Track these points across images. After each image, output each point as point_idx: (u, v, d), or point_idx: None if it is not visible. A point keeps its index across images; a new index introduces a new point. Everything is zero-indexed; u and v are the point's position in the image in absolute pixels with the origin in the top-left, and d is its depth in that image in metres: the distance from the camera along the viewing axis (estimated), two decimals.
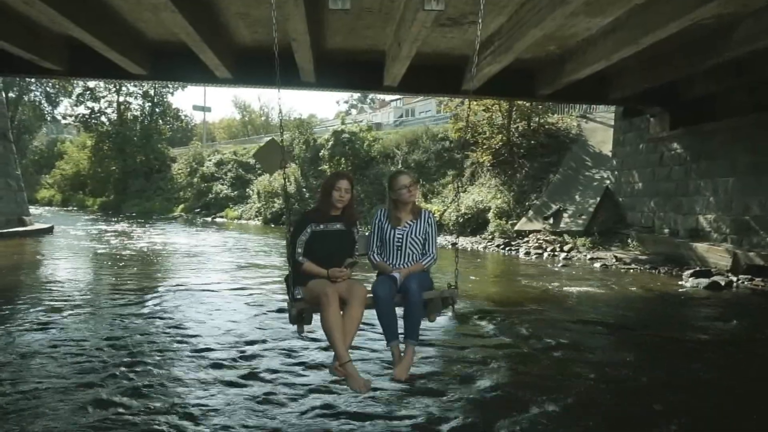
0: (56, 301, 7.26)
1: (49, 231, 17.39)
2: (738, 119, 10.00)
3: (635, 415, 3.94)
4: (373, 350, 5.07)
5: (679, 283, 9.49)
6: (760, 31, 6.63)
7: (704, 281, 9.11)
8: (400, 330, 3.44)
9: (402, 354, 3.37)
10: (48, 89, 44.94)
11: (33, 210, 22.43)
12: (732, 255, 9.81)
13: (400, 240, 3.72)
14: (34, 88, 44.99)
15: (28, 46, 7.84)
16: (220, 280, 9.29)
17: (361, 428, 3.57)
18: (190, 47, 7.34)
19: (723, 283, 9.05)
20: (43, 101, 46.68)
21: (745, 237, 10.26)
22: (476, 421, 3.72)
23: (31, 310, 6.69)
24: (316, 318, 3.42)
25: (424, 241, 3.76)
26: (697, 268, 9.95)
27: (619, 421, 3.85)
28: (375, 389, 4.10)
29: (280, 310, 6.71)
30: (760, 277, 9.25)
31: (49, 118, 49.44)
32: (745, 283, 9.21)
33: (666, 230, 12.36)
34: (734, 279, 9.36)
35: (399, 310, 3.53)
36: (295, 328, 3.56)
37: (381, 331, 3.50)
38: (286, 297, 3.70)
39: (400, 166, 21.65)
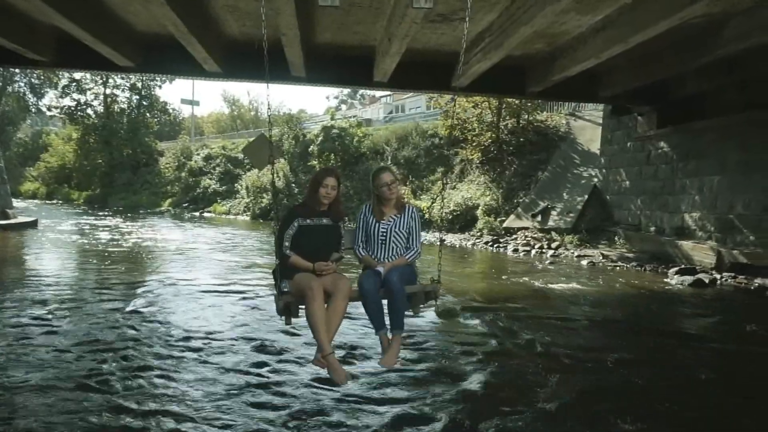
0: (40, 296, 7.15)
1: (33, 224, 17.15)
2: (728, 117, 10.09)
3: (623, 412, 3.96)
4: (356, 344, 5.07)
5: (665, 280, 9.59)
6: (752, 28, 6.69)
7: (689, 279, 9.21)
8: (387, 321, 3.55)
9: (390, 342, 3.50)
10: (33, 80, 44.30)
11: (17, 203, 22.12)
12: (716, 253, 9.93)
13: (384, 234, 3.79)
14: (18, 79, 44.34)
15: (15, 36, 7.70)
16: (206, 275, 9.23)
17: (345, 423, 3.56)
18: (179, 40, 7.26)
19: (707, 281, 9.16)
20: (27, 92, 45.99)
21: (729, 235, 10.39)
22: (462, 418, 3.72)
23: (14, 306, 6.58)
24: (303, 310, 3.48)
25: (408, 235, 3.83)
26: (683, 266, 10.06)
27: (613, 420, 3.87)
28: (359, 384, 4.12)
29: (267, 304, 6.68)
30: (743, 274, 9.38)
31: (33, 110, 48.72)
32: (729, 280, 9.34)
33: (652, 228, 12.48)
34: (718, 276, 9.48)
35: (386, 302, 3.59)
36: (282, 320, 3.62)
37: (363, 324, 3.58)
38: (274, 290, 3.73)
39: (389, 162, 21.64)
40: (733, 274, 9.45)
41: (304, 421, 3.58)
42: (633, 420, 3.78)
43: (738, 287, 9.06)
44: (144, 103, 41.17)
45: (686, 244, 10.79)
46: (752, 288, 8.93)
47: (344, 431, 3.47)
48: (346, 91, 69.74)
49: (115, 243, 13.81)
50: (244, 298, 7.29)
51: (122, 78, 38.63)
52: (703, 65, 8.34)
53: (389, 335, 3.53)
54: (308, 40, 7.94)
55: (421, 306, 3.81)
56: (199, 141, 41.41)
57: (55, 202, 37.93)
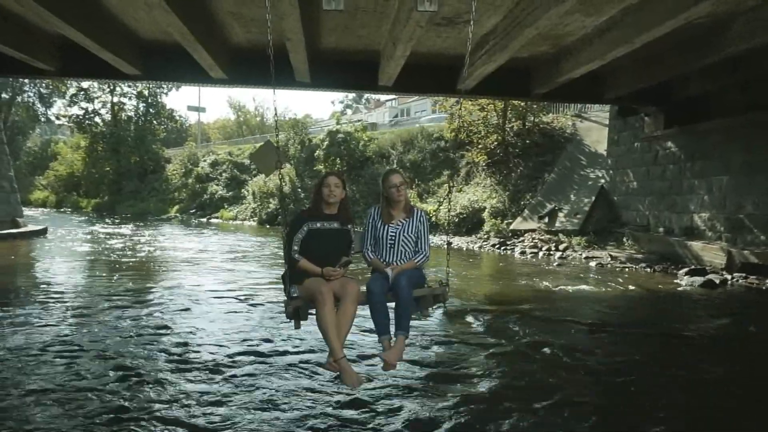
0: (50, 303, 7.20)
1: (42, 232, 17.27)
2: (732, 119, 10.04)
3: (631, 415, 3.94)
4: (369, 347, 5.06)
5: (675, 281, 9.51)
6: (756, 27, 6.65)
7: (699, 279, 9.14)
8: (392, 326, 3.51)
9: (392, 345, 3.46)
10: (41, 90, 44.72)
11: (26, 211, 22.26)
12: (726, 253, 9.85)
13: (393, 237, 3.78)
14: (27, 89, 44.74)
15: (20, 46, 7.78)
16: (214, 281, 9.25)
17: (353, 427, 3.55)
18: (184, 47, 7.31)
19: (718, 282, 9.08)
20: (36, 102, 46.43)
21: (739, 235, 10.30)
22: (469, 421, 3.71)
23: (24, 312, 6.63)
24: (312, 312, 3.48)
25: (417, 239, 3.82)
26: (692, 267, 9.99)
27: (614, 421, 3.85)
28: (368, 387, 4.11)
29: (275, 308, 6.69)
30: (754, 274, 9.29)
31: (42, 119, 49.14)
32: (740, 281, 9.25)
33: (661, 229, 12.40)
34: (729, 277, 9.40)
35: (392, 307, 3.56)
36: (291, 323, 3.63)
37: (373, 329, 3.55)
38: (283, 295, 3.73)
39: (395, 165, 21.65)
40: (744, 275, 9.37)
41: (312, 425, 3.58)
42: (635, 421, 3.76)
43: (749, 287, 8.98)
44: (151, 110, 41.42)
45: (696, 245, 10.71)
46: (764, 288, 8.84)
47: None
48: (351, 95, 69.95)
49: (124, 251, 13.88)
50: (254, 303, 7.30)
51: (129, 86, 38.91)
52: (707, 66, 8.30)
53: (392, 339, 3.48)
54: (313, 45, 7.97)
55: (429, 309, 3.79)
56: (206, 147, 41.58)
57: (64, 210, 38.20)
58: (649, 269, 10.67)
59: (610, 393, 4.34)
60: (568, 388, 4.33)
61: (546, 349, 5.36)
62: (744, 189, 10.22)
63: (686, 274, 9.58)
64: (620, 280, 9.56)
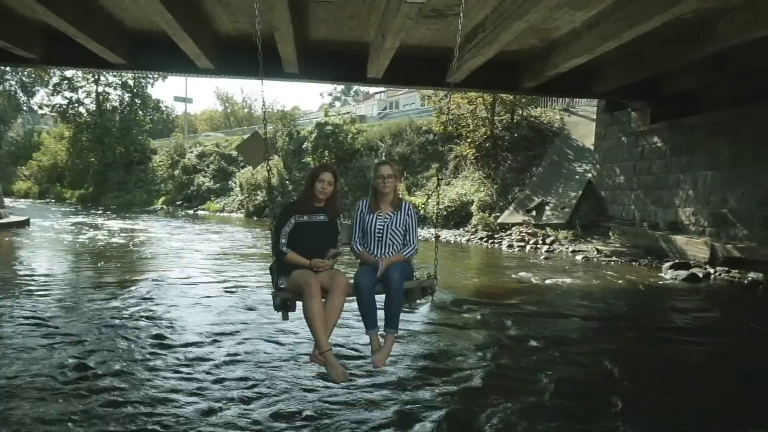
0: (33, 295, 7.11)
1: (25, 224, 17.03)
2: (720, 113, 10.13)
3: (613, 406, 3.98)
4: (354, 341, 5.06)
5: (659, 275, 9.63)
6: (743, 23, 6.71)
7: (683, 273, 9.26)
8: (380, 320, 3.50)
9: (381, 342, 3.46)
10: (24, 78, 44.02)
11: (9, 202, 21.94)
12: (710, 247, 9.98)
13: (381, 230, 3.75)
14: (9, 78, 44.05)
15: (3, 33, 7.62)
16: (200, 273, 9.18)
17: (339, 420, 3.56)
18: (171, 37, 7.21)
19: (701, 275, 9.21)
20: (18, 91, 45.67)
21: (722, 230, 10.44)
22: (454, 413, 3.73)
23: (7, 304, 6.54)
24: (300, 304, 3.47)
25: (405, 232, 3.80)
26: (677, 261, 10.11)
27: (597, 411, 3.89)
28: (354, 380, 4.12)
29: (263, 300, 6.66)
30: (736, 268, 9.42)
31: (24, 108, 48.38)
32: (722, 274, 9.38)
33: (646, 223, 12.52)
34: (712, 271, 9.53)
35: (380, 300, 3.55)
36: (279, 315, 3.62)
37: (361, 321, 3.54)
38: (271, 287, 3.72)
39: (383, 158, 21.61)
40: (726, 269, 9.50)
41: (300, 419, 3.58)
42: (621, 413, 3.81)
43: (732, 281, 9.11)
44: (136, 101, 40.90)
45: (680, 239, 10.84)
46: (745, 282, 8.98)
47: (339, 426, 3.47)
48: (340, 87, 69.61)
49: (109, 242, 13.73)
50: (241, 295, 7.26)
51: (114, 76, 38.38)
52: (694, 61, 8.36)
53: (381, 335, 3.47)
54: (302, 36, 7.90)
55: (417, 301, 3.79)
56: (193, 138, 41.17)
57: (47, 201, 37.68)
58: (634, 263, 10.78)
59: (594, 385, 4.38)
60: (553, 380, 4.36)
61: (532, 342, 5.40)
62: (729, 184, 10.34)
63: (670, 267, 9.70)
64: (605, 274, 9.66)
